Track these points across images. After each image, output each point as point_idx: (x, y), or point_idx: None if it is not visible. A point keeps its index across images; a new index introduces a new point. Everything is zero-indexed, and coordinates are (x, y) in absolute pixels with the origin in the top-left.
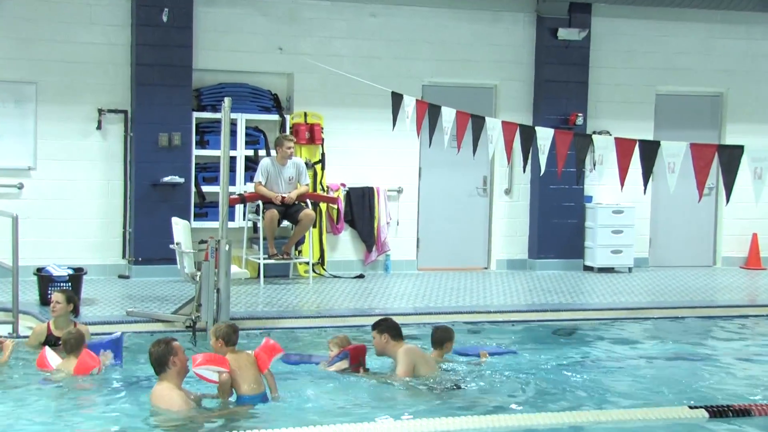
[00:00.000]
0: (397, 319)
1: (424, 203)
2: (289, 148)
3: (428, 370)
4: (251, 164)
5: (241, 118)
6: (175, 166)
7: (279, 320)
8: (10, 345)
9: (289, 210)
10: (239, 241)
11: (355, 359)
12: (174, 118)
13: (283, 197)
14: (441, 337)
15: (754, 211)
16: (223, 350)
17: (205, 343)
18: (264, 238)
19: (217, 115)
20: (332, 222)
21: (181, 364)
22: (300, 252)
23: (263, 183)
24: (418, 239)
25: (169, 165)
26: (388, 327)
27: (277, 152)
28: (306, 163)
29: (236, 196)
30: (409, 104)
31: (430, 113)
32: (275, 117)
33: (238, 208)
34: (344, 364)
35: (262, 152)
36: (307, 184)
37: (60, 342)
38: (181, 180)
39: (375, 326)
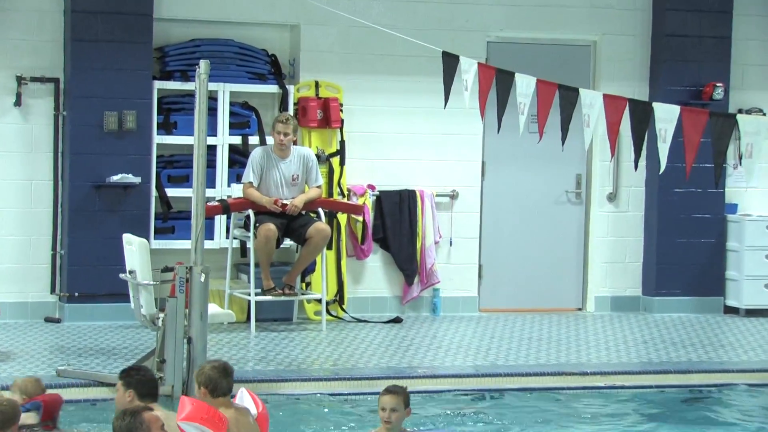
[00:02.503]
0: (448, 383)
1: (489, 214)
2: (282, 133)
3: None
4: (238, 157)
5: (224, 90)
6: (127, 160)
7: (278, 384)
8: None
9: (292, 224)
10: (220, 268)
11: (48, 414)
12: (126, 90)
13: (283, 204)
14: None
15: None
16: (209, 403)
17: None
18: (257, 265)
19: (189, 86)
20: (355, 241)
21: None
22: (309, 285)
23: (255, 184)
24: (480, 267)
25: (120, 158)
26: (139, 382)
27: (274, 139)
28: (318, 156)
29: (216, 203)
30: (468, 70)
31: (498, 83)
32: (273, 88)
33: (219, 221)
34: (32, 417)
35: (254, 139)
36: (319, 186)
37: None
38: (137, 180)
39: (122, 375)
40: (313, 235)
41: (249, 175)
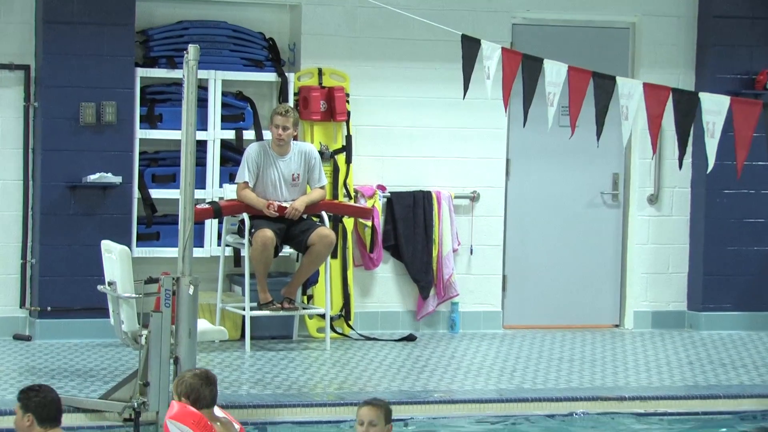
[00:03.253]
0: (468, 409)
1: (514, 219)
2: (281, 127)
3: None
4: (232, 154)
5: (216, 79)
6: (107, 157)
7: (276, 410)
8: None
9: (292, 229)
10: (211, 279)
11: None
12: (105, 79)
13: (281, 207)
14: None
15: None
16: None
17: None
18: (252, 276)
19: (175, 74)
20: (363, 249)
21: None
22: (311, 299)
23: (251, 184)
24: (504, 278)
25: (98, 155)
26: (38, 405)
27: (272, 134)
28: (321, 153)
29: (207, 206)
30: (490, 56)
31: (525, 71)
32: (271, 76)
33: (210, 226)
34: None
35: (249, 134)
36: (322, 187)
37: None
38: (117, 180)
39: (20, 396)
40: (316, 242)
41: (243, 174)
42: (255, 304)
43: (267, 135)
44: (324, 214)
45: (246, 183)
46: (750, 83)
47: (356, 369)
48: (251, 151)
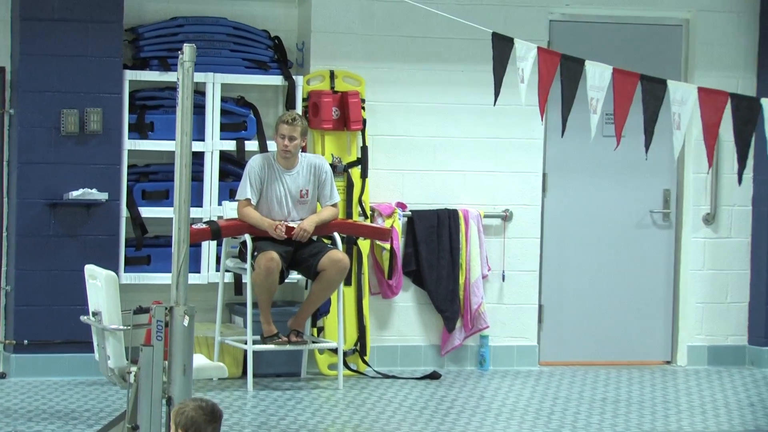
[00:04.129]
0: None
1: (552, 241)
2: (287, 137)
3: None
4: (232, 168)
5: (214, 83)
6: (91, 171)
7: None
8: None
9: (301, 252)
10: (209, 309)
11: None
12: (90, 83)
13: (288, 228)
14: None
15: None
16: None
17: None
18: (255, 305)
19: (169, 77)
20: (381, 275)
21: None
22: (321, 331)
23: (254, 202)
24: (540, 308)
25: (81, 169)
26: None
27: (277, 145)
28: (333, 166)
29: (204, 226)
30: (525, 57)
31: (564, 73)
32: (276, 79)
33: (208, 249)
34: None
35: (251, 145)
36: (335, 204)
37: None
38: (103, 196)
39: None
40: (327, 267)
41: (245, 190)
42: (258, 338)
43: (272, 146)
44: (336, 235)
45: (248, 200)
46: None
47: (372, 411)
48: (254, 164)
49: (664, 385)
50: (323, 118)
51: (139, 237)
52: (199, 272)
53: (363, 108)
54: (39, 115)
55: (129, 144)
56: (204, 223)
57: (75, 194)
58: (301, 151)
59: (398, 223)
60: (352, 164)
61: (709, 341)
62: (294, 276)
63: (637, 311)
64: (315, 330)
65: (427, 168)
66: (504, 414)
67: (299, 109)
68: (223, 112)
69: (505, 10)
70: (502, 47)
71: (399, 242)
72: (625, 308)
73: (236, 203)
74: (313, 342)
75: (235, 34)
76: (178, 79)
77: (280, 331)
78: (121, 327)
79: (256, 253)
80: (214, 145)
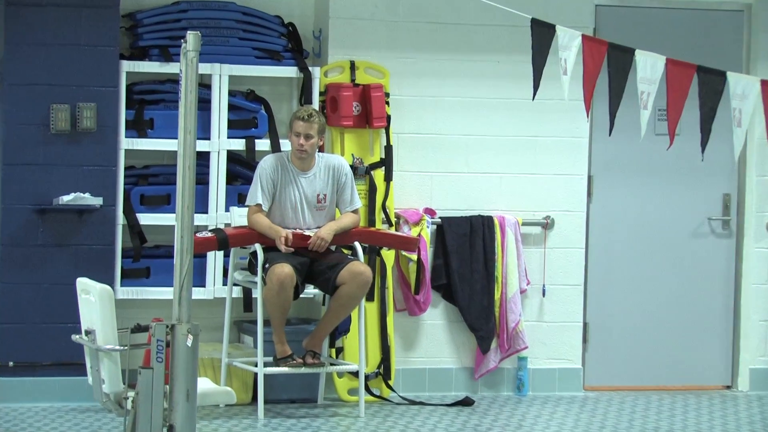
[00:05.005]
0: None
1: (598, 251)
2: (303, 135)
3: None
4: (241, 170)
5: (221, 74)
6: (84, 174)
7: None
8: None
9: (318, 264)
10: (216, 327)
11: None
12: (83, 75)
13: (303, 237)
14: None
15: None
16: None
17: None
18: (266, 323)
19: (171, 68)
20: (407, 289)
21: None
22: (340, 352)
23: (265, 207)
24: (586, 326)
25: (73, 171)
26: None
27: (292, 144)
28: (354, 168)
29: (210, 235)
30: (568, 46)
31: (611, 64)
32: (291, 71)
33: (214, 260)
34: None
35: (263, 144)
36: (355, 211)
37: None
38: (97, 201)
39: None
40: (348, 281)
41: (256, 194)
42: (270, 359)
43: (285, 145)
44: (357, 245)
45: (259, 205)
46: None
47: None
48: (265, 166)
49: (724, 413)
50: (342, 114)
51: (137, 247)
52: (204, 286)
53: (387, 103)
54: (26, 111)
55: (126, 143)
56: (209, 231)
57: (66, 199)
58: (318, 152)
59: (426, 232)
60: (374, 165)
61: None
62: (310, 290)
63: (693, 330)
64: (333, 351)
65: (459, 170)
66: None
67: (316, 104)
68: (231, 108)
69: None
70: (542, 35)
71: (427, 253)
72: (679, 327)
73: (247, 210)
74: (332, 364)
75: (244, 20)
76: (180, 70)
77: (294, 351)
78: (118, 347)
79: (267, 266)
80: (221, 144)
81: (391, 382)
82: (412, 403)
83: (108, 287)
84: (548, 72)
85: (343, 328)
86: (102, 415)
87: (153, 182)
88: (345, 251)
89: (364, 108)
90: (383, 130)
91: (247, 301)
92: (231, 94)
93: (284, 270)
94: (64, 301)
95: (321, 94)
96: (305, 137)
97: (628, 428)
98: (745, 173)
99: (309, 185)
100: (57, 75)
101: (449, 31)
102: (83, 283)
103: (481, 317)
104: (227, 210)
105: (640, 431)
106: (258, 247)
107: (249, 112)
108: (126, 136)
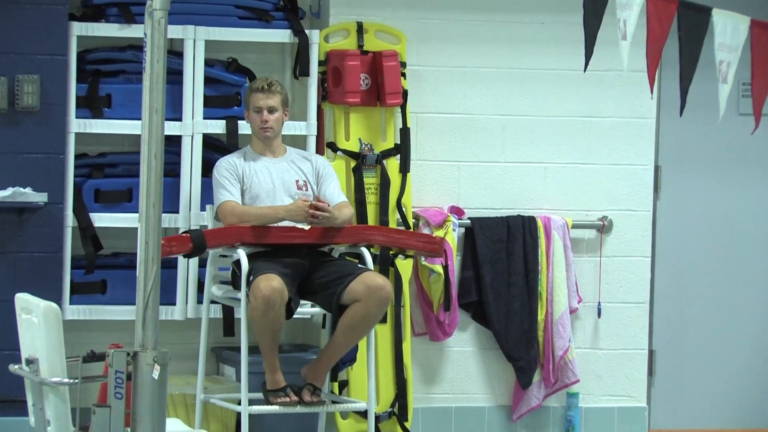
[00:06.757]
0: None
1: (668, 259)
2: (265, 110)
3: None
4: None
5: (196, 39)
6: (24, 163)
7: None
8: None
9: (317, 275)
10: (188, 356)
11: None
12: (23, 40)
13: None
14: None
15: None
16: None
17: None
18: (252, 349)
19: (133, 32)
20: (428, 308)
21: None
22: (345, 386)
23: (237, 199)
24: (652, 354)
25: (11, 159)
26: None
27: (252, 124)
28: (362, 156)
29: (184, 236)
30: (628, 4)
31: (682, 27)
32: (283, 35)
33: (186, 270)
34: None
35: (247, 126)
36: (342, 205)
37: None
38: (41, 198)
39: None
40: (363, 297)
41: (224, 190)
42: (258, 395)
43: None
44: (365, 250)
45: (230, 201)
46: None
47: None
48: (222, 164)
49: None
50: (348, 89)
51: (91, 254)
52: (174, 304)
53: (403, 75)
54: None
55: (77, 125)
56: (183, 232)
57: (2, 195)
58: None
59: (452, 236)
60: (387, 153)
61: None
62: (307, 309)
63: None
64: (336, 385)
65: (493, 158)
66: None
67: (314, 75)
68: (209, 81)
69: None
70: None
71: (453, 262)
72: (764, 352)
73: (217, 206)
74: (334, 402)
75: None
76: (145, 34)
77: (289, 384)
78: (66, 380)
79: (252, 278)
80: (196, 126)
81: (407, 425)
82: None
83: (54, 305)
84: (603, 37)
85: (348, 357)
86: None
87: (110, 174)
88: (348, 259)
89: (374, 81)
90: (398, 109)
91: (228, 323)
92: (208, 63)
93: (270, 284)
94: (2, 323)
95: (321, 63)
96: (268, 110)
97: None
98: None
99: (283, 171)
100: None
101: None
102: (23, 300)
103: (521, 343)
104: (203, 209)
105: None
106: (241, 254)
107: (230, 87)
108: (77, 117)
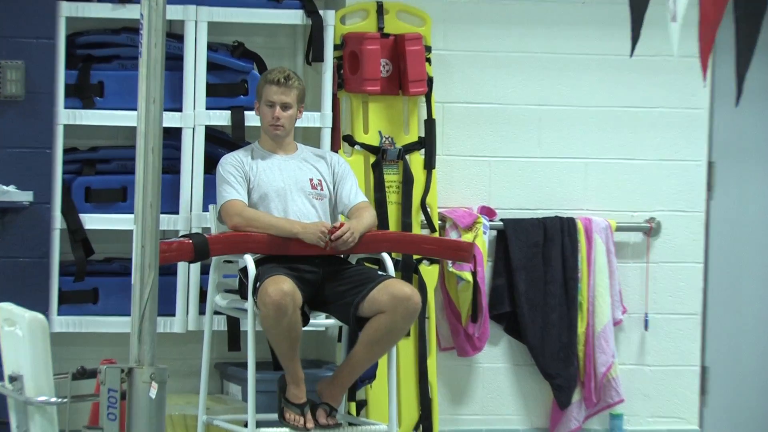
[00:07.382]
0: None
1: (722, 265)
2: (278, 105)
3: None
4: (226, 153)
5: (198, 21)
6: (8, 158)
7: None
8: None
9: (332, 283)
10: (190, 372)
11: None
12: (6, 22)
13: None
14: None
15: None
16: None
17: None
18: (259, 365)
19: (127, 12)
20: (455, 319)
21: None
22: (364, 406)
23: (244, 199)
24: (704, 371)
25: None
26: None
27: (263, 119)
28: (382, 150)
29: (184, 240)
30: None
31: (738, 8)
32: (294, 16)
33: (187, 278)
34: None
35: (255, 117)
36: (362, 206)
37: None
38: (25, 197)
39: None
40: (389, 309)
41: (229, 188)
42: (266, 416)
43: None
44: (386, 256)
45: (238, 200)
46: None
47: None
48: (227, 160)
49: None
50: (366, 76)
51: (81, 260)
52: (173, 315)
53: (428, 60)
54: None
55: (66, 116)
56: (182, 235)
57: None
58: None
59: (483, 240)
60: (411, 147)
61: None
62: (321, 320)
63: None
64: (353, 405)
65: (528, 153)
66: None
67: (329, 61)
68: (212, 67)
69: None
70: None
71: (484, 269)
72: None
73: (220, 207)
74: (351, 424)
75: None
76: (141, 15)
77: (308, 399)
78: (54, 399)
79: (259, 284)
80: (198, 117)
81: None
82: None
83: (41, 316)
84: (651, 18)
85: (367, 374)
86: None
87: (103, 171)
88: (367, 267)
89: (396, 67)
90: (423, 98)
91: (234, 336)
92: (211, 48)
93: (280, 287)
94: None
95: (336, 48)
96: (282, 107)
97: None
98: None
99: (295, 169)
100: None
101: None
102: (7, 310)
103: (559, 359)
104: (206, 209)
105: None
106: (249, 259)
107: (236, 74)
108: (66, 107)
